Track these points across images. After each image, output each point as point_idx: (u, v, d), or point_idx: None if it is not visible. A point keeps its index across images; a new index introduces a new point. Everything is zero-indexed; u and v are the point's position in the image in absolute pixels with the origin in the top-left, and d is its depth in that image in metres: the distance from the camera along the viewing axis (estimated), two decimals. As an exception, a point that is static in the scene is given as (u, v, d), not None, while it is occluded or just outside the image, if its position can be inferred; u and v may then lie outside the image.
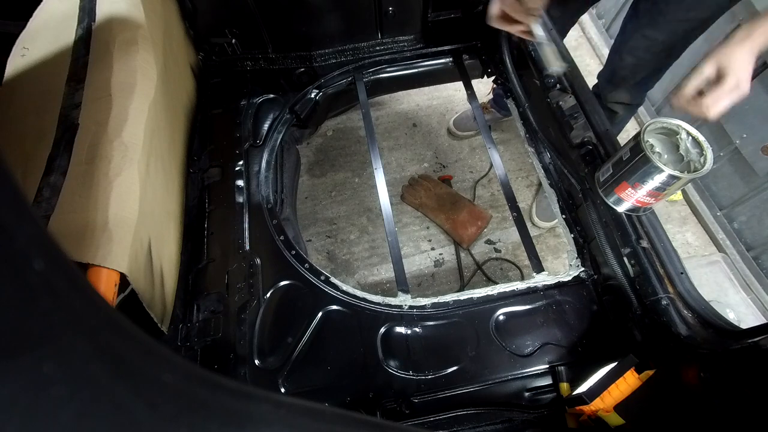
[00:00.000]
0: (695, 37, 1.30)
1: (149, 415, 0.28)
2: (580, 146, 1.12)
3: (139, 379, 0.29)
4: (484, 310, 1.05)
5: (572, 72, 1.20)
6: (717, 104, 0.83)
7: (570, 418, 0.91)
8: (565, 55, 1.18)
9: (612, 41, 1.49)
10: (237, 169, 1.30)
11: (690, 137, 0.91)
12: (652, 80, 1.50)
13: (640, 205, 0.96)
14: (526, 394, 0.97)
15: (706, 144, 0.89)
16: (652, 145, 0.94)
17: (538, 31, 1.07)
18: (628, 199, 0.96)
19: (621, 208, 0.99)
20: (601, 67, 1.58)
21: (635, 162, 0.89)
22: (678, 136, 0.92)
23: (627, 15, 1.40)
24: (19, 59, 1.08)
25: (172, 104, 1.23)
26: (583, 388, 0.85)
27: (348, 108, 1.78)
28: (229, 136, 1.37)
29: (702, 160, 0.88)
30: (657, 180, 0.88)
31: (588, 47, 2.58)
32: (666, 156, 0.95)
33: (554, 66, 1.11)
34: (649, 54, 1.35)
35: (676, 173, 0.85)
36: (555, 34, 1.20)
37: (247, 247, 1.16)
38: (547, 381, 0.98)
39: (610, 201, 1.01)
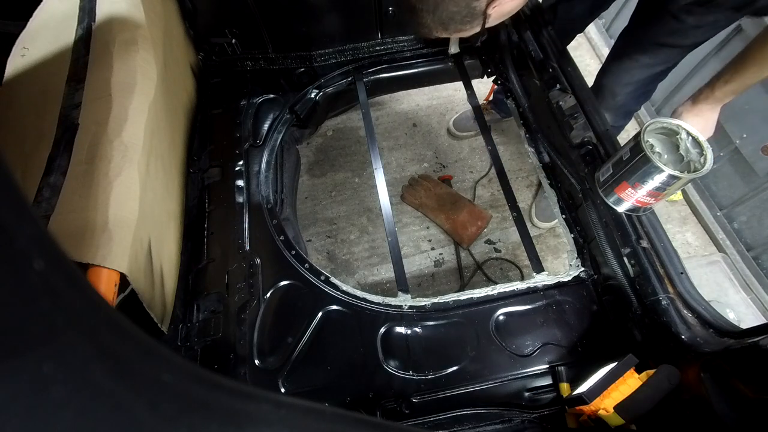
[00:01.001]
0: (678, 61, 1.31)
1: (149, 415, 0.28)
2: (580, 146, 1.12)
3: (139, 379, 0.29)
4: (484, 310, 1.05)
5: (572, 72, 1.20)
6: None
7: (570, 418, 0.91)
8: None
9: (612, 41, 1.50)
10: (237, 169, 1.30)
11: (690, 137, 0.91)
12: (637, 103, 1.50)
13: (640, 205, 0.95)
14: (526, 394, 0.97)
15: (706, 144, 0.89)
16: (652, 145, 0.94)
17: None
18: (628, 199, 0.96)
19: (621, 208, 0.99)
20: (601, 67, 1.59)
21: (635, 162, 0.89)
22: (678, 136, 0.92)
23: (616, 39, 1.42)
24: (19, 59, 1.08)
25: (172, 104, 1.23)
26: (583, 388, 0.85)
27: (348, 108, 1.78)
28: (229, 136, 1.37)
29: (702, 160, 0.88)
30: (657, 180, 0.88)
31: (588, 47, 2.58)
32: (666, 156, 0.95)
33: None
34: (628, 76, 1.36)
35: (676, 173, 0.85)
36: None
37: (247, 247, 1.16)
38: (547, 381, 0.98)
39: (610, 201, 1.01)
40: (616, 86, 1.41)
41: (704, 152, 0.88)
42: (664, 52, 1.26)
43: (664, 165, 0.85)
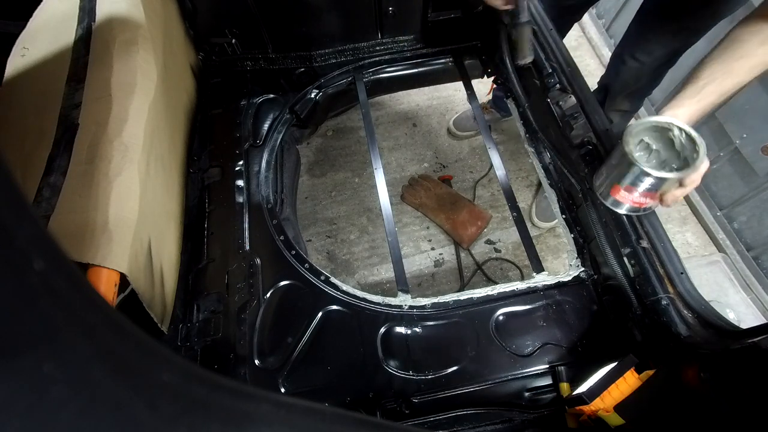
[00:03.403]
0: (694, 42, 1.30)
1: (149, 415, 0.28)
2: (580, 146, 1.11)
3: (139, 379, 0.29)
4: (484, 310, 1.05)
5: (572, 72, 1.19)
6: (676, 200, 0.91)
7: (570, 418, 0.91)
8: (534, 47, 1.19)
9: (612, 41, 1.49)
10: (237, 169, 1.30)
11: (683, 133, 0.88)
12: (652, 87, 1.51)
13: (637, 206, 0.95)
14: (526, 394, 0.97)
15: (699, 140, 0.85)
16: (648, 144, 0.93)
17: (524, 9, 1.12)
18: (624, 201, 0.94)
19: (620, 210, 0.98)
20: (602, 68, 1.59)
21: (622, 166, 0.88)
22: (671, 133, 0.90)
23: (632, 21, 1.40)
24: (19, 59, 1.08)
25: (172, 104, 1.23)
26: (583, 388, 0.85)
27: (348, 108, 1.78)
28: (229, 136, 1.37)
29: (694, 155, 0.86)
30: (646, 182, 0.86)
31: (588, 47, 2.58)
32: (664, 153, 0.94)
33: (526, 54, 1.16)
34: (650, 58, 1.35)
35: (662, 174, 0.82)
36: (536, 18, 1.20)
37: (247, 247, 1.16)
38: (547, 381, 0.97)
39: (608, 203, 1.00)
40: (639, 67, 1.37)
41: (697, 148, 0.86)
42: (683, 34, 1.23)
43: (650, 167, 0.82)
